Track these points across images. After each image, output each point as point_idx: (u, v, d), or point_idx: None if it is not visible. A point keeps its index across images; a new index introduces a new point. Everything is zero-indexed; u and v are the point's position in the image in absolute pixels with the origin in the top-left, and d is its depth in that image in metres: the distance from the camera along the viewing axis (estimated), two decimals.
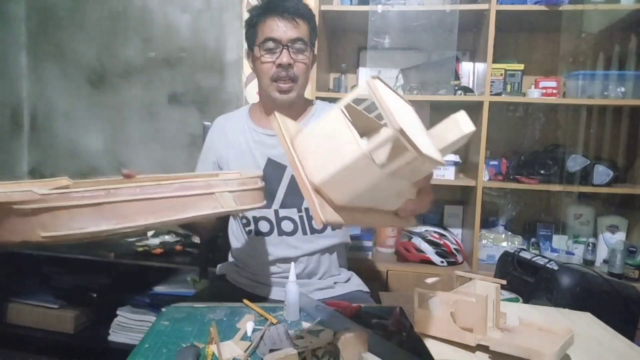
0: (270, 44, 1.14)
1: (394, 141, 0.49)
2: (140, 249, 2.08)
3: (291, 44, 1.14)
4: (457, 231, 2.13)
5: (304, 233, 1.21)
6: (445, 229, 2.05)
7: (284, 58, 1.13)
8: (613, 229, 1.99)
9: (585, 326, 0.80)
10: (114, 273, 2.19)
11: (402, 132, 0.47)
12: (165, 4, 2.41)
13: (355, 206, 0.57)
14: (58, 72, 2.55)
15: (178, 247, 2.13)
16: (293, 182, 1.21)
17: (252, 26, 1.19)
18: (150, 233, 2.34)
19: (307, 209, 1.21)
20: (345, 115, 0.54)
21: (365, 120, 0.59)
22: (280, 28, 1.13)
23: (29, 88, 2.58)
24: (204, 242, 1.68)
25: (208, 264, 1.65)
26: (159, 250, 2.08)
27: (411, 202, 0.69)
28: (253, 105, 1.33)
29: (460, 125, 0.63)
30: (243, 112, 1.32)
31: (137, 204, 0.64)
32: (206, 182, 0.72)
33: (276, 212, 1.21)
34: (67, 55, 2.53)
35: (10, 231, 0.61)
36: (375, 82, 0.52)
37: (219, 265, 1.36)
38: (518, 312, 0.80)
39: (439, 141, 0.62)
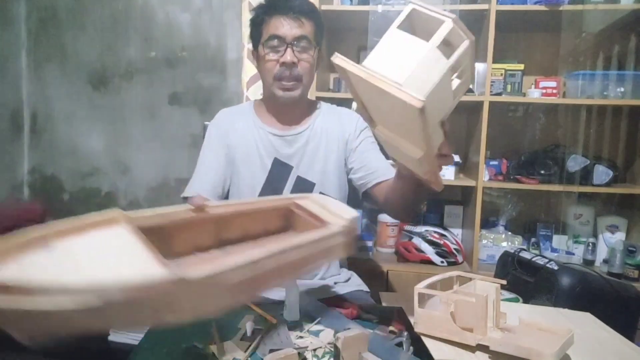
0: (274, 42, 1.13)
1: (451, 31, 0.57)
2: None
3: (295, 42, 1.13)
4: (457, 231, 2.13)
5: None
6: (445, 229, 2.05)
7: (288, 56, 1.12)
8: (613, 229, 1.99)
9: (585, 326, 0.80)
10: None
11: (456, 20, 0.56)
12: (166, 4, 2.41)
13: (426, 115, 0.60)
14: (58, 72, 2.55)
15: None
16: (298, 183, 1.21)
17: (257, 25, 1.18)
18: None
19: None
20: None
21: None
22: (284, 26, 1.12)
23: (29, 88, 2.59)
24: None
25: None
26: None
27: (445, 145, 0.72)
28: (257, 103, 1.30)
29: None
30: (247, 108, 1.30)
31: (276, 270, 0.59)
32: (329, 235, 0.68)
33: None
34: (67, 55, 2.53)
35: (124, 318, 0.47)
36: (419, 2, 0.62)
37: None
38: (518, 312, 0.80)
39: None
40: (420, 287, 0.66)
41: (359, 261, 1.88)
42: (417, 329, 0.66)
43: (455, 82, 0.64)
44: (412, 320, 0.68)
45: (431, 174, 0.73)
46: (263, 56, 1.15)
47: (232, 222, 0.74)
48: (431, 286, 0.71)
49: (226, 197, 1.25)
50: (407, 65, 0.57)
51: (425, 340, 0.65)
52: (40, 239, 0.53)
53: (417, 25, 0.64)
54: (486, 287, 0.71)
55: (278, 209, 0.80)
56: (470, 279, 0.76)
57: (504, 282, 0.73)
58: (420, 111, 0.54)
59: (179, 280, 0.47)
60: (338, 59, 0.62)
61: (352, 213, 0.76)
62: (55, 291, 0.43)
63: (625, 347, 0.73)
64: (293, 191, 1.20)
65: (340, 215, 0.73)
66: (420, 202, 1.19)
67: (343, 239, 0.69)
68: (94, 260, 0.51)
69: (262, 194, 1.21)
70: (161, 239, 0.64)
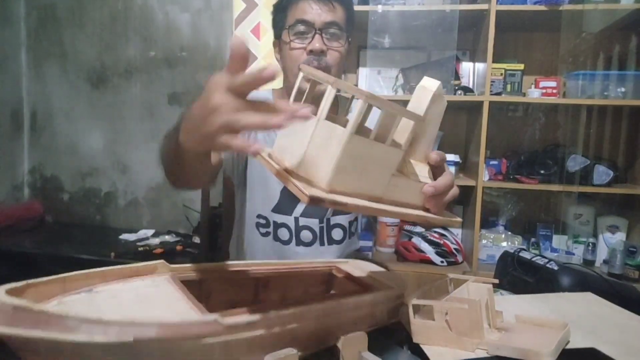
0: (301, 27, 1.01)
1: (333, 93, 0.50)
2: (141, 248, 2.08)
3: (325, 29, 1.00)
4: (457, 231, 2.13)
5: (322, 244, 1.14)
6: (445, 228, 2.05)
7: (317, 44, 1.00)
8: (613, 229, 1.99)
9: (586, 305, 0.81)
10: None
11: (336, 81, 0.50)
12: (165, 3, 2.41)
13: (358, 192, 0.55)
14: (58, 71, 2.55)
15: (178, 247, 2.13)
16: None
17: (281, 9, 1.06)
18: (150, 233, 2.35)
19: (328, 220, 1.14)
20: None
21: None
22: (314, 10, 1.00)
23: (29, 87, 2.59)
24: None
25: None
26: (159, 250, 2.08)
27: (430, 187, 0.63)
28: (276, 94, 1.17)
29: (426, 87, 0.63)
30: (267, 98, 1.15)
31: (316, 328, 0.58)
32: (373, 298, 0.67)
33: (296, 219, 1.12)
34: (67, 54, 2.53)
35: None
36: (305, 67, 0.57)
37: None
38: (518, 304, 0.81)
39: (416, 111, 0.63)
40: (413, 299, 0.66)
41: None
42: (415, 340, 0.66)
43: (405, 123, 0.58)
44: (408, 328, 0.69)
45: (426, 220, 0.65)
46: (288, 43, 1.03)
47: (271, 282, 0.72)
48: (425, 293, 0.71)
49: (240, 207, 1.16)
50: (300, 148, 0.52)
51: (424, 347, 0.65)
52: (84, 282, 0.54)
53: None
54: (479, 288, 0.71)
55: (319, 272, 0.78)
56: (464, 281, 0.75)
57: (496, 281, 0.73)
58: (312, 202, 0.48)
59: (214, 322, 0.47)
60: (259, 156, 0.57)
61: (398, 279, 0.74)
62: (90, 321, 0.43)
63: (629, 320, 0.73)
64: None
65: (384, 281, 0.72)
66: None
67: (388, 305, 0.69)
68: (134, 303, 0.52)
69: (279, 203, 1.12)
70: (200, 293, 0.64)
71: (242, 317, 0.51)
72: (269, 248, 1.14)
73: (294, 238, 1.13)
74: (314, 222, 1.13)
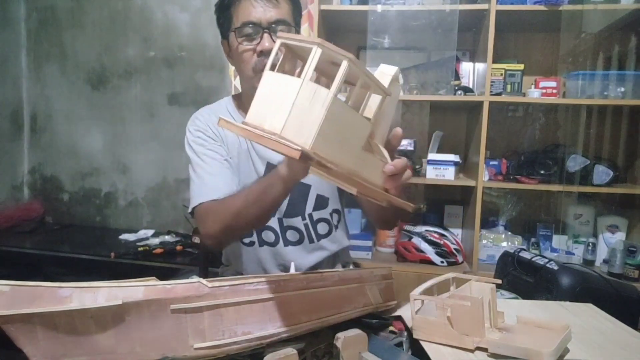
0: (249, 29, 0.99)
1: (320, 57, 0.50)
2: (141, 249, 2.08)
3: (273, 27, 0.99)
4: (457, 231, 2.13)
5: (311, 241, 1.13)
6: (445, 229, 2.05)
7: (266, 43, 0.98)
8: (613, 228, 1.98)
9: (587, 317, 0.80)
10: (114, 273, 2.19)
11: (323, 43, 0.50)
12: (165, 4, 2.41)
13: (338, 161, 0.55)
14: (58, 72, 2.55)
15: (178, 247, 2.13)
16: (297, 188, 1.07)
17: (224, 9, 1.04)
18: (150, 233, 2.35)
19: (310, 215, 1.13)
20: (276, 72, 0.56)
21: None
22: (257, 9, 0.99)
23: (29, 88, 2.59)
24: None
25: (208, 264, 1.65)
26: (159, 250, 2.08)
27: (391, 165, 0.65)
28: (236, 100, 1.16)
29: (385, 72, 0.66)
30: (228, 106, 1.15)
31: (303, 300, 0.59)
32: (359, 273, 0.68)
33: (280, 220, 1.11)
34: (67, 55, 2.53)
35: (145, 343, 0.47)
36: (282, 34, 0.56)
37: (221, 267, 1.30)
38: (518, 309, 0.80)
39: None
40: (415, 294, 0.66)
41: (359, 261, 1.88)
42: (415, 335, 0.66)
43: (374, 100, 0.59)
44: (409, 324, 0.68)
45: (389, 199, 0.65)
46: (236, 47, 1.02)
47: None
48: (427, 290, 0.71)
49: None
50: (283, 110, 0.51)
51: (424, 344, 0.65)
52: None
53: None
54: (482, 288, 0.71)
55: None
56: (467, 280, 0.75)
57: (499, 281, 0.73)
58: (302, 158, 0.48)
59: (197, 282, 0.50)
60: (222, 121, 0.56)
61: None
62: (80, 288, 0.46)
63: (628, 335, 0.73)
64: (292, 196, 1.08)
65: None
66: (395, 217, 1.12)
67: (377, 282, 0.69)
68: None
69: None
70: None
71: (226, 281, 0.53)
72: (257, 255, 1.13)
73: (280, 239, 1.12)
74: (297, 221, 1.12)
